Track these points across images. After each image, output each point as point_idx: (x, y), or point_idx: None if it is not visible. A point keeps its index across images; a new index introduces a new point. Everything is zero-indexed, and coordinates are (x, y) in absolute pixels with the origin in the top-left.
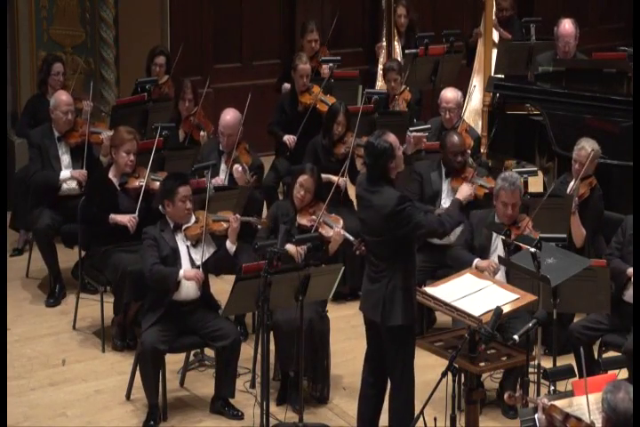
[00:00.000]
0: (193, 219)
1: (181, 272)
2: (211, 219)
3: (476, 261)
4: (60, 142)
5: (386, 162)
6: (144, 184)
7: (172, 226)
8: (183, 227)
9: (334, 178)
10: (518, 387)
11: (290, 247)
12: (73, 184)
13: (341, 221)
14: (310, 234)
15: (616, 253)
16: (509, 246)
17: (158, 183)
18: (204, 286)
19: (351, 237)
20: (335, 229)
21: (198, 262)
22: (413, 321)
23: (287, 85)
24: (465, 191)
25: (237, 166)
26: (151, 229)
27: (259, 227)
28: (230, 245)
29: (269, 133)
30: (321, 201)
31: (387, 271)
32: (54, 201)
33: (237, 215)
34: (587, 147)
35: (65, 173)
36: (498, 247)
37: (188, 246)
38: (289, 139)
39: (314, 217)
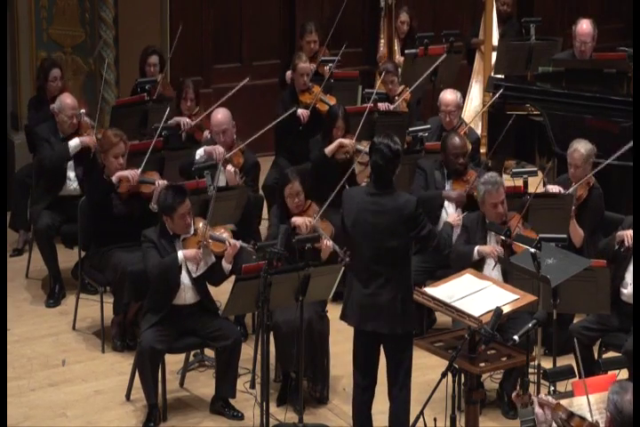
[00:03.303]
0: (192, 230)
1: (180, 254)
2: (209, 234)
3: (477, 247)
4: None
5: (396, 164)
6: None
7: (170, 233)
8: (181, 237)
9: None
10: (518, 387)
11: (297, 219)
12: (74, 185)
13: (332, 229)
14: (310, 234)
15: (609, 250)
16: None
17: (151, 186)
18: (204, 290)
19: (337, 248)
20: (324, 241)
21: (194, 274)
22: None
23: (289, 73)
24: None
25: (230, 168)
26: (150, 232)
27: (252, 255)
28: (226, 265)
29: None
30: (313, 201)
31: (393, 279)
32: (58, 189)
33: (237, 242)
34: (579, 149)
35: (74, 142)
36: None
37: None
38: (303, 113)
39: (308, 219)
